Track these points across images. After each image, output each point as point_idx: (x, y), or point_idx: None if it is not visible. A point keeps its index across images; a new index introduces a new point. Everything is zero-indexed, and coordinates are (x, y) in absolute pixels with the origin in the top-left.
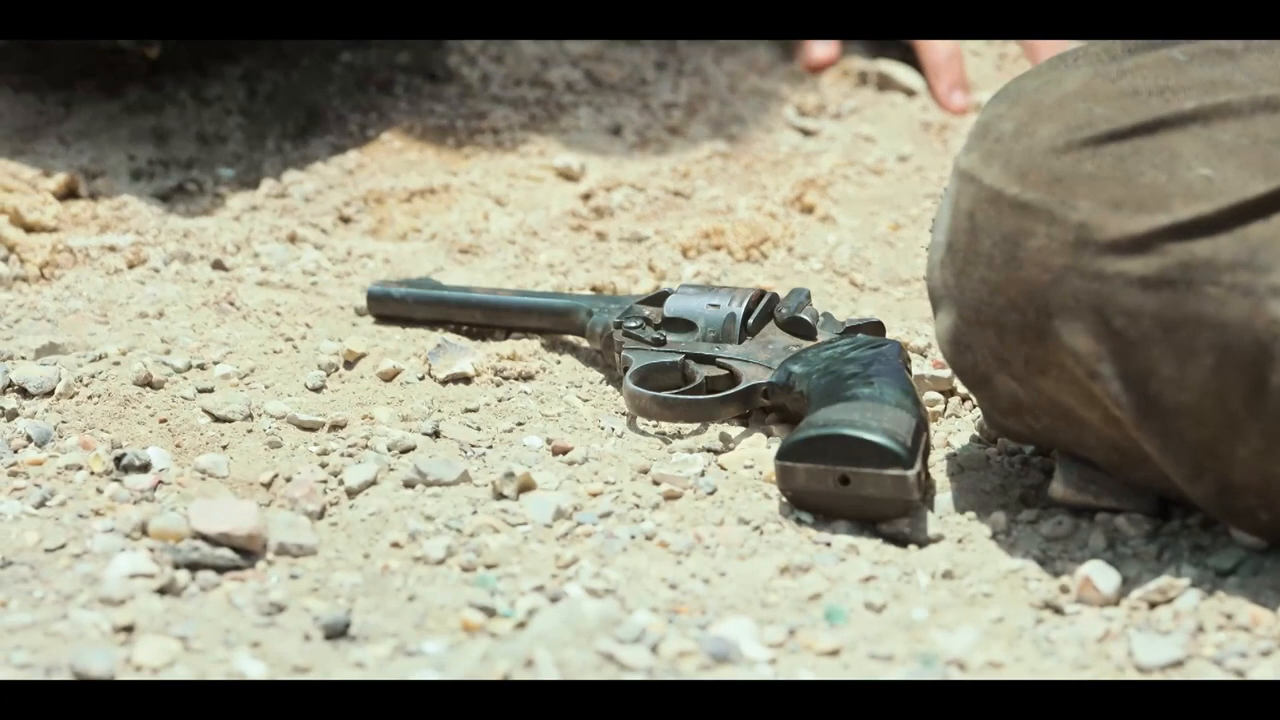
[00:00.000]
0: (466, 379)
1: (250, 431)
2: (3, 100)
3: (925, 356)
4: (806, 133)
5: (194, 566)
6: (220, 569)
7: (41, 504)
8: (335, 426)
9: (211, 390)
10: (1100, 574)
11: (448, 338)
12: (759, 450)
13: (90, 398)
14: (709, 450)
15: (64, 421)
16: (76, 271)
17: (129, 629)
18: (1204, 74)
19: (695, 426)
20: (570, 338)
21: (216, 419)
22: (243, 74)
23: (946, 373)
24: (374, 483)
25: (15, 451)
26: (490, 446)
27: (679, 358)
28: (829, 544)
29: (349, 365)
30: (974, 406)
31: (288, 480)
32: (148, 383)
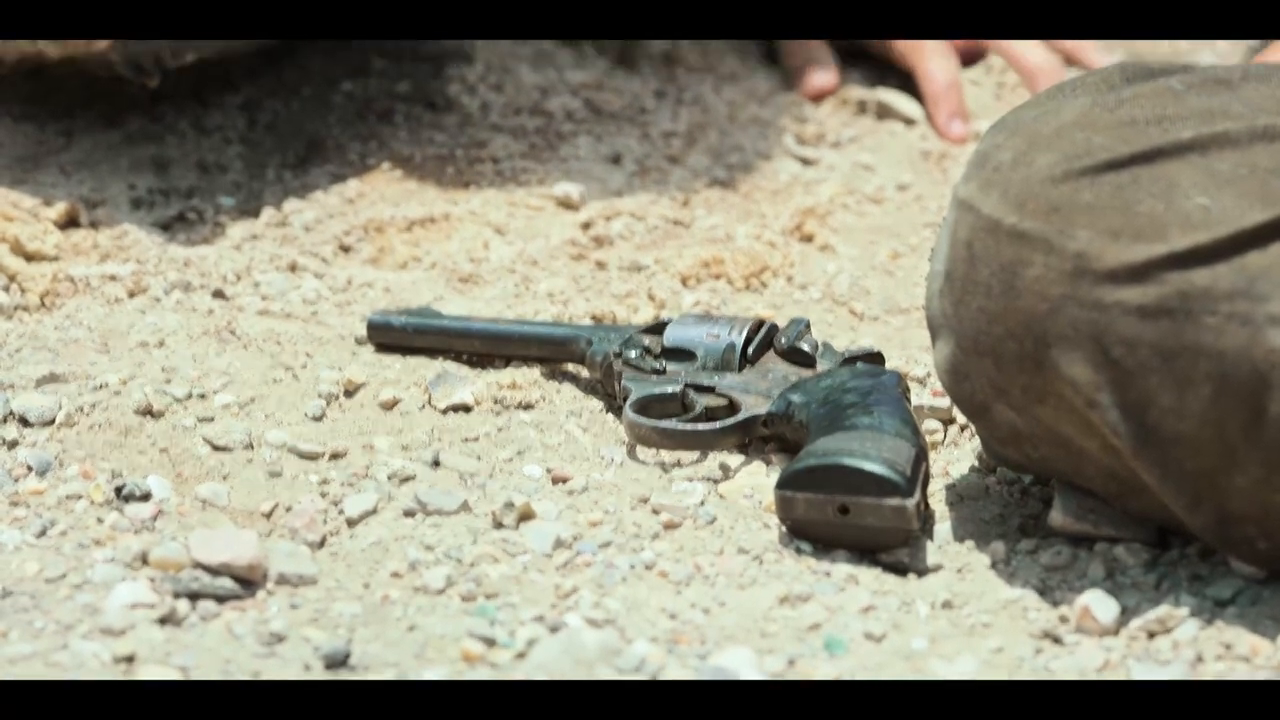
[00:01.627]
0: (466, 408)
1: (251, 461)
2: (3, 130)
3: (924, 385)
4: (806, 161)
5: (194, 596)
6: (220, 599)
7: (42, 533)
8: (335, 456)
9: (212, 419)
10: (1099, 604)
11: (448, 367)
12: (758, 479)
13: (91, 427)
14: (708, 479)
15: (64, 451)
16: (77, 300)
17: (129, 659)
18: (1201, 103)
19: (695, 455)
20: (570, 367)
21: (217, 448)
22: (243, 103)
23: (945, 402)
24: (374, 512)
25: (16, 481)
26: (490, 476)
27: (679, 387)
28: (828, 574)
29: (349, 394)
30: (973, 435)
31: (288, 510)
32: (148, 412)
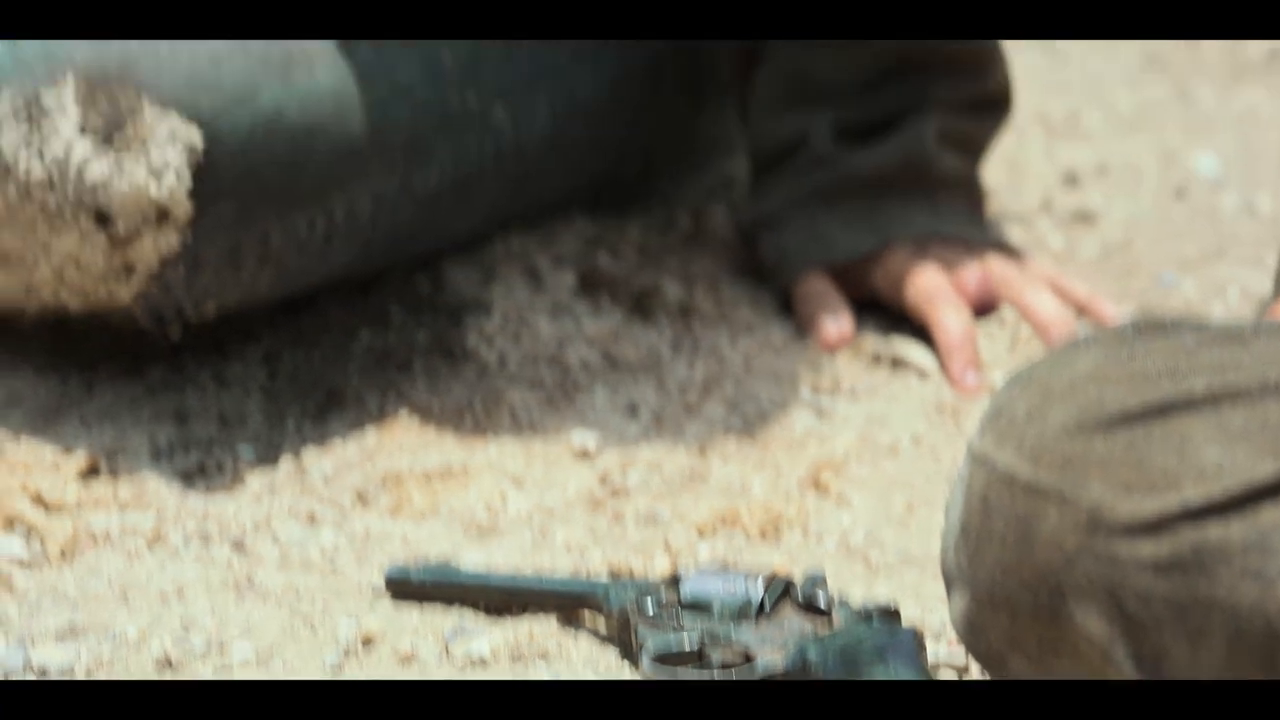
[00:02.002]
0: (484, 660)
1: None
2: (25, 381)
3: (939, 639)
4: (821, 412)
5: None
6: None
7: None
8: None
9: (230, 671)
10: None
11: (465, 619)
12: None
13: (110, 679)
14: None
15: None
16: (97, 552)
17: None
18: (1213, 357)
19: None
20: (587, 618)
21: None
22: (263, 354)
23: (961, 654)
24: None
25: None
26: None
27: (695, 639)
28: None
29: (366, 646)
30: None
31: None
32: (167, 664)
